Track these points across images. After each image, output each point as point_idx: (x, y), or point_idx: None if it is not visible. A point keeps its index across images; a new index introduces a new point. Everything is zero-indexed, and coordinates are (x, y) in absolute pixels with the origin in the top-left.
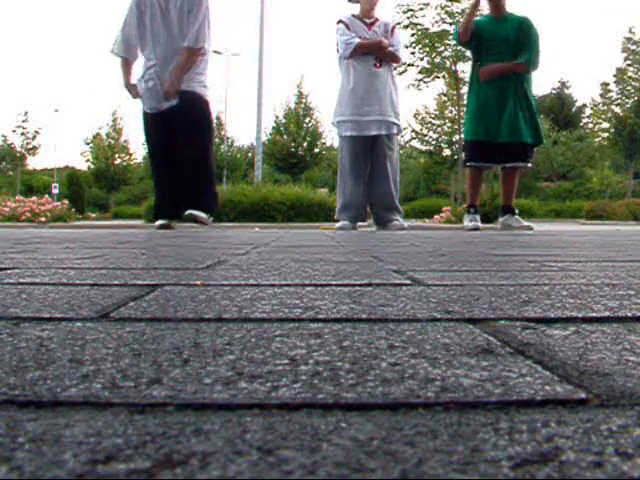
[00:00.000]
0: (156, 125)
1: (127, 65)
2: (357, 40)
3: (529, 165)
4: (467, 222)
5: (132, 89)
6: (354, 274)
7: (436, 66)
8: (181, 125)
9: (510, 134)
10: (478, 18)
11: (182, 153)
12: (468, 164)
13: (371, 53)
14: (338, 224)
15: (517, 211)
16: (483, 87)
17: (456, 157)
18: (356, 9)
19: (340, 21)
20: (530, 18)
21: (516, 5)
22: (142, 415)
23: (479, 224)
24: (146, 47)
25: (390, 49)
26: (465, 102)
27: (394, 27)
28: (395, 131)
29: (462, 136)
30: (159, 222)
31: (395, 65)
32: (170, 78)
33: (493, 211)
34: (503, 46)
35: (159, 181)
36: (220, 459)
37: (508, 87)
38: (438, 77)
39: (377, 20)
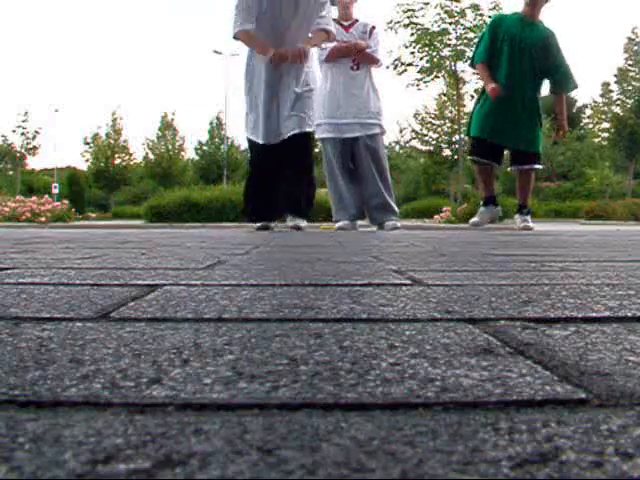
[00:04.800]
0: (268, 154)
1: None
2: (331, 45)
3: (540, 167)
4: (474, 218)
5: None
6: (354, 274)
7: (436, 65)
8: (292, 158)
9: (523, 143)
10: (506, 14)
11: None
12: (470, 157)
13: (349, 56)
14: (338, 224)
15: (526, 210)
16: (501, 87)
17: (456, 157)
18: (336, 12)
19: None
20: (555, 33)
21: (518, 5)
22: (142, 415)
23: (498, 213)
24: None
25: (367, 51)
26: (477, 99)
27: (373, 28)
28: (376, 131)
29: (462, 135)
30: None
31: (375, 66)
32: None
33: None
34: (528, 52)
35: (258, 191)
36: (220, 459)
37: (521, 96)
38: (438, 77)
39: (356, 22)
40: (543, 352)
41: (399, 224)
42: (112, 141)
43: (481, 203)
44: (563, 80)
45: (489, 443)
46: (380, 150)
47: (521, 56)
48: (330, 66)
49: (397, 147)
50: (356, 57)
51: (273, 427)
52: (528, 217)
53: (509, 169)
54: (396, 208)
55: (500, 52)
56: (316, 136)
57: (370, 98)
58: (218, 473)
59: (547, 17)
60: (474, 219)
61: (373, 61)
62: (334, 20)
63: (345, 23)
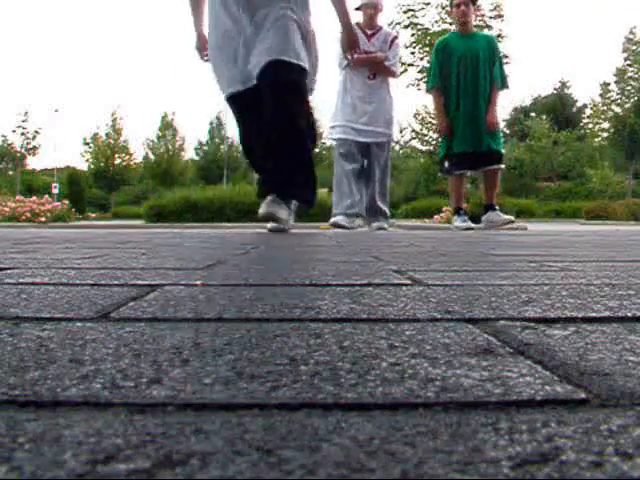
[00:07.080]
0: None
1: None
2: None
3: (503, 166)
4: (460, 223)
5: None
6: (354, 274)
7: None
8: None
9: (490, 144)
10: (446, 36)
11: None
12: (457, 172)
13: (367, 65)
14: (334, 219)
15: (497, 207)
16: (462, 103)
17: None
18: (360, 16)
19: None
20: (495, 38)
21: (519, 6)
22: (142, 415)
23: (471, 224)
24: None
25: (386, 63)
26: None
27: (394, 39)
28: (384, 139)
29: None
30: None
31: (390, 77)
32: None
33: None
34: (474, 63)
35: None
36: (220, 459)
37: (478, 104)
38: None
39: (379, 30)
40: (543, 352)
41: (386, 225)
42: (112, 141)
43: (455, 214)
44: (498, 78)
45: (489, 443)
46: (387, 157)
47: (470, 68)
48: (349, 72)
49: (397, 147)
50: (373, 68)
51: (273, 427)
52: (500, 212)
53: (471, 173)
54: (387, 211)
55: (450, 72)
56: (330, 136)
57: (384, 107)
58: (218, 473)
59: (546, 17)
60: (463, 224)
61: (390, 74)
62: (358, 25)
63: (368, 31)
